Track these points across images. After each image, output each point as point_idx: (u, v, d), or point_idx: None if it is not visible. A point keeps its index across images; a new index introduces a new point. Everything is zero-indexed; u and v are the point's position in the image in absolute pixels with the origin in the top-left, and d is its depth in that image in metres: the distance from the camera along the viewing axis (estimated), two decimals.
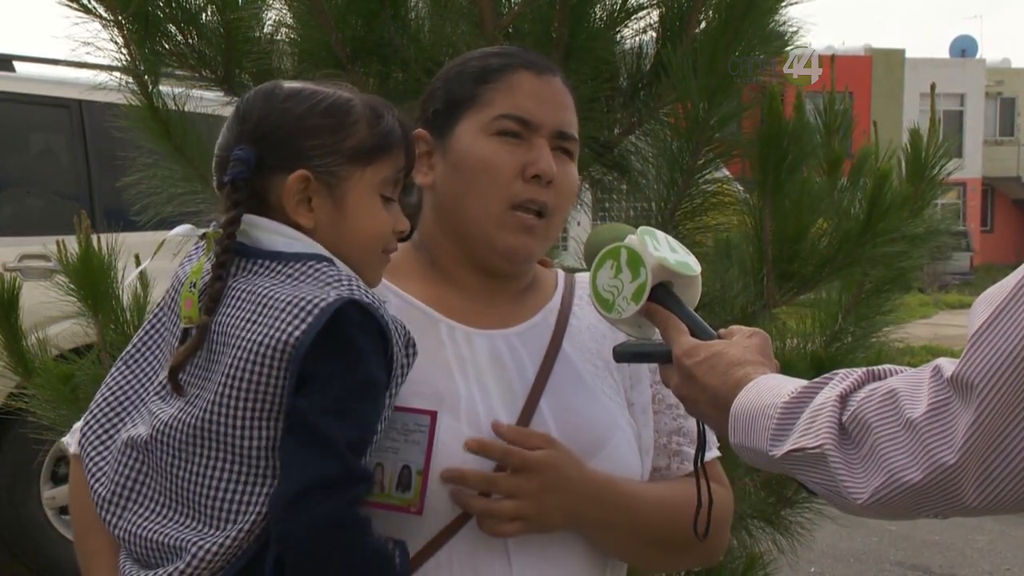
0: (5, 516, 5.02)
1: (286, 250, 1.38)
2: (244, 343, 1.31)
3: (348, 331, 1.31)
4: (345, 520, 1.29)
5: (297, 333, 1.29)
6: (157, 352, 1.48)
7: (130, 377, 1.48)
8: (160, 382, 1.42)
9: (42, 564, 4.98)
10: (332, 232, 1.40)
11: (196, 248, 1.45)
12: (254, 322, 1.32)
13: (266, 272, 1.36)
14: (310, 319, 1.29)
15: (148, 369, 1.48)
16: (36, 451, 4.63)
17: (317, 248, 1.38)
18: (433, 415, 1.41)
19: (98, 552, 1.48)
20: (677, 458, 1.60)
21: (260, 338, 1.30)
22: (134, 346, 1.50)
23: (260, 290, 1.34)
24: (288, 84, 1.44)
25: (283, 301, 1.32)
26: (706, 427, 1.47)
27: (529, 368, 1.52)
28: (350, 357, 1.32)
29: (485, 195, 1.49)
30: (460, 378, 1.49)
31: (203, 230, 1.41)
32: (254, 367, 1.31)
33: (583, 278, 1.66)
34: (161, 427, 1.37)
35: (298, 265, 1.36)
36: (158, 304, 1.51)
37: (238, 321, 1.33)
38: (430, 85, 1.62)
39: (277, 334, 1.30)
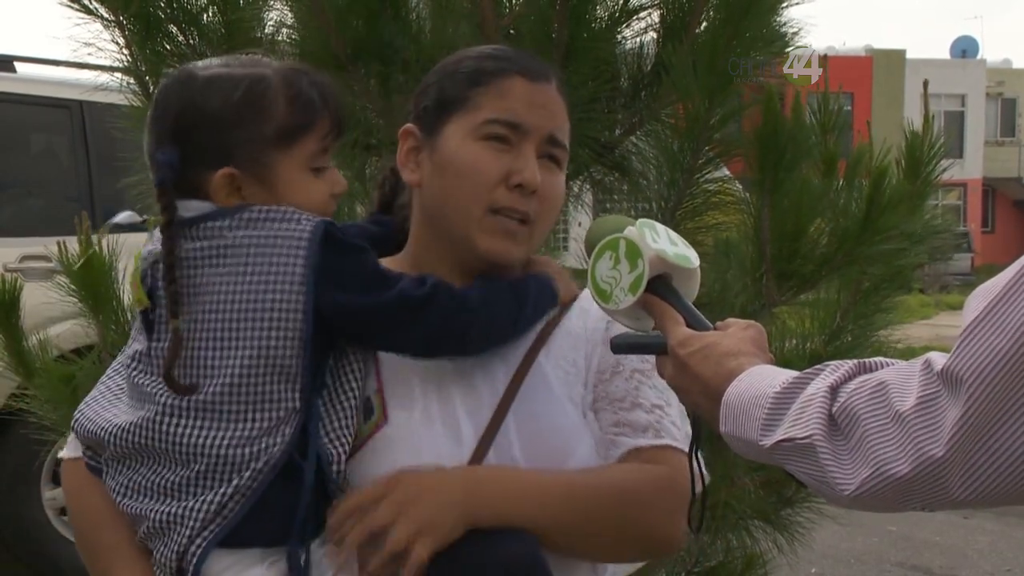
0: (6, 517, 5.03)
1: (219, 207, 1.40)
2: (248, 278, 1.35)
3: (342, 238, 1.39)
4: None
5: (304, 238, 1.35)
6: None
7: (111, 385, 1.51)
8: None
9: (43, 565, 4.98)
10: None
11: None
12: (250, 264, 1.35)
13: (215, 232, 1.37)
14: (307, 233, 1.35)
15: (119, 379, 1.50)
16: (37, 452, 4.63)
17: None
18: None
19: (117, 545, 1.47)
20: (612, 447, 1.55)
21: (267, 266, 1.35)
22: (117, 360, 1.53)
23: (229, 241, 1.36)
24: (202, 71, 1.43)
25: (270, 236, 1.36)
26: (693, 421, 1.47)
27: (500, 376, 1.51)
28: (356, 252, 1.40)
29: (466, 199, 1.48)
30: (418, 383, 1.49)
31: (144, 216, 1.43)
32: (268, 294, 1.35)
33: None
34: (172, 401, 1.38)
35: (249, 212, 1.38)
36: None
37: (230, 269, 1.36)
38: (424, 79, 1.60)
39: (284, 257, 1.35)
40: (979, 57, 37.61)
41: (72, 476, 1.55)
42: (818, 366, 1.24)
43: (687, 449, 1.52)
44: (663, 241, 1.44)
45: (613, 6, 2.76)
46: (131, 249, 2.90)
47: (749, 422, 1.26)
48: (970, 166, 34.08)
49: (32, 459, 4.82)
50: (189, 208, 1.38)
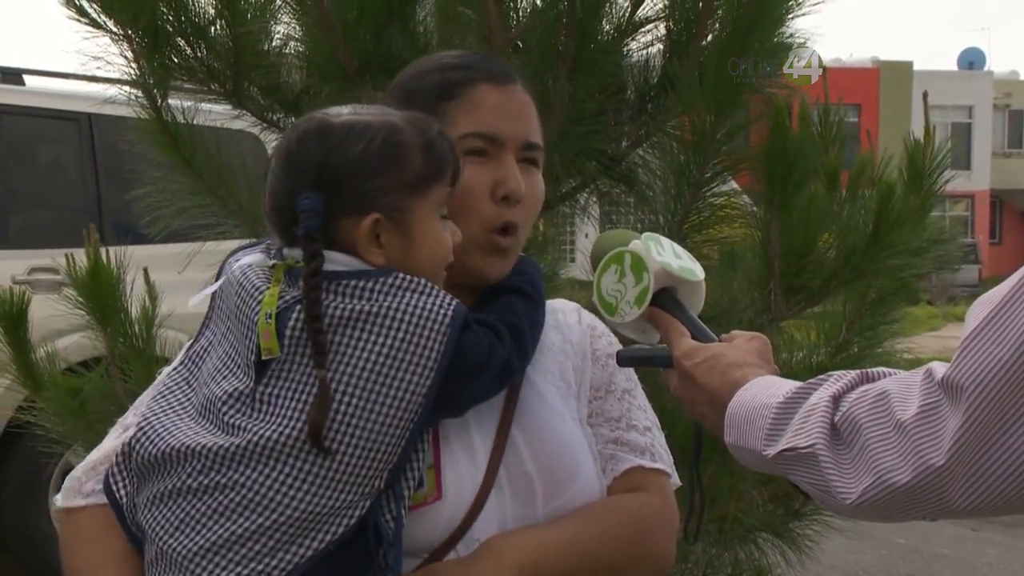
0: (13, 528, 5.04)
1: (362, 268, 1.38)
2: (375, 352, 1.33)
3: (477, 333, 1.38)
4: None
5: (445, 322, 1.34)
6: (198, 370, 1.45)
7: (164, 406, 1.44)
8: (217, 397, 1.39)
9: None
10: (402, 262, 1.39)
11: (250, 250, 1.45)
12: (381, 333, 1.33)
13: (357, 292, 1.35)
14: (447, 317, 1.34)
15: (182, 396, 1.45)
16: (44, 464, 4.65)
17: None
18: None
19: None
20: (612, 461, 1.55)
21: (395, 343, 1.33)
22: (170, 377, 1.47)
23: (371, 307, 1.34)
24: (336, 119, 1.41)
25: (411, 305, 1.34)
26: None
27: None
28: (487, 350, 1.38)
29: (458, 219, 1.46)
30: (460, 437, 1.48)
31: (272, 261, 1.40)
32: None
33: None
34: (258, 440, 1.34)
35: (392, 279, 1.36)
36: (199, 332, 1.48)
37: (358, 333, 1.33)
38: (385, 98, 1.56)
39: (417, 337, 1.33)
40: (986, 69, 37.62)
41: (70, 528, 1.49)
42: (821, 376, 1.25)
43: (672, 473, 1.56)
44: (668, 254, 1.45)
45: (620, 19, 2.77)
46: (139, 261, 2.93)
47: (753, 432, 1.26)
48: (977, 177, 34.05)
49: (40, 471, 4.84)
50: (333, 260, 1.37)
